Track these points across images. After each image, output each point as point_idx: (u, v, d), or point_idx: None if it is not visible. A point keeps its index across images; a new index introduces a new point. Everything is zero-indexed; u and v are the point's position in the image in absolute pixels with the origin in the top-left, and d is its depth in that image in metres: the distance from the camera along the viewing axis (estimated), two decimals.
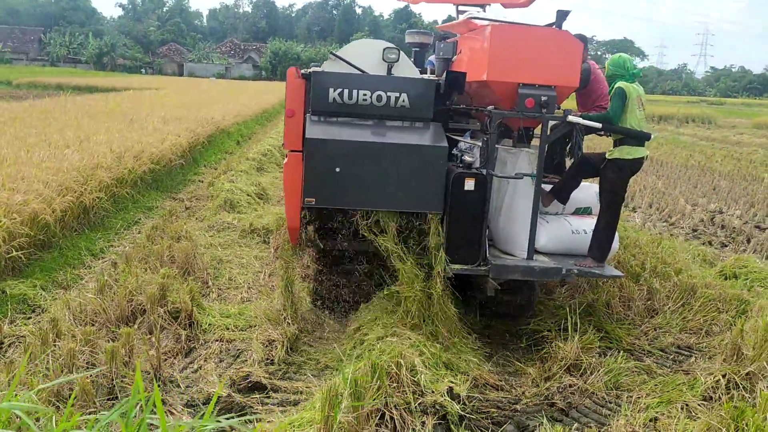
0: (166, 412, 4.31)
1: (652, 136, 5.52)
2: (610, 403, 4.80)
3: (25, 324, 5.38)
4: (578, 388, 4.84)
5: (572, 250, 5.67)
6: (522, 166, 5.43)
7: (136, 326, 5.39)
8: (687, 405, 4.60)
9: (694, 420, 4.32)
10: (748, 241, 9.46)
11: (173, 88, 36.25)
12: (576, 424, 4.40)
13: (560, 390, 4.83)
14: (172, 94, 29.62)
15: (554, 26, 5.41)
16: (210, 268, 7.06)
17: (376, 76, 5.47)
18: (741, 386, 4.72)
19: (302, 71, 5.64)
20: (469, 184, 5.09)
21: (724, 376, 4.89)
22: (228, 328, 5.68)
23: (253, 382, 4.69)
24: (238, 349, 5.31)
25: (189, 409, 4.44)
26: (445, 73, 5.58)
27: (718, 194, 13.14)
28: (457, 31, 6.75)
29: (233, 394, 4.56)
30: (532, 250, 5.39)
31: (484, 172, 5.24)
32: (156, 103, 21.39)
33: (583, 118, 5.33)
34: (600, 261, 5.50)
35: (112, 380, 4.43)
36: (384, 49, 5.52)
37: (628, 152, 5.40)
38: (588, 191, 6.01)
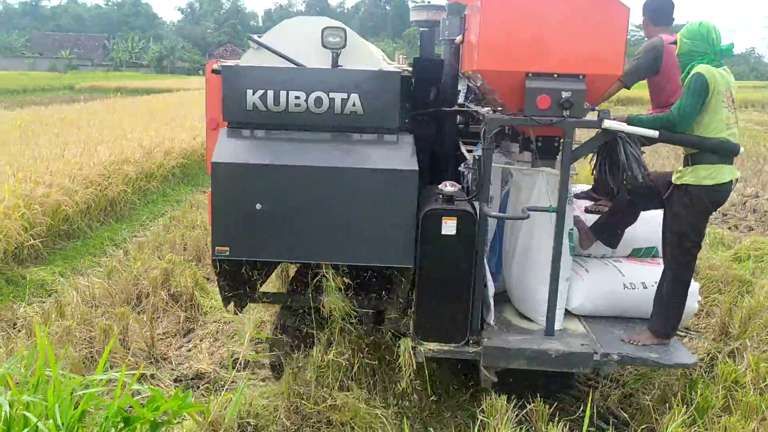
0: (154, 385, 4.62)
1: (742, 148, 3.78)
2: (590, 380, 4.82)
3: (41, 306, 5.76)
4: None
5: (626, 311, 4.13)
6: (539, 195, 3.86)
7: (139, 308, 5.71)
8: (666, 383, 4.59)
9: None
10: None
11: None
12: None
13: None
14: None
15: None
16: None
17: (315, 70, 3.82)
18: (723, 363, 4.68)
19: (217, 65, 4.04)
20: (449, 226, 3.58)
21: (708, 354, 4.86)
22: (228, 311, 5.93)
23: (242, 360, 4.92)
24: (234, 330, 5.55)
25: (176, 384, 4.70)
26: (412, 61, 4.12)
27: (759, 178, 12.77)
28: (466, 1, 4.87)
29: (218, 370, 4.81)
30: (553, 322, 3.79)
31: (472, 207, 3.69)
32: (201, 102, 22.04)
33: (631, 122, 3.63)
34: (664, 336, 3.83)
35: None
36: (323, 30, 3.82)
37: (708, 174, 3.61)
38: (653, 224, 4.20)
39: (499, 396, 3.57)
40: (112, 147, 10.01)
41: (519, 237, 4.02)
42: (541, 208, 3.68)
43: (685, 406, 3.58)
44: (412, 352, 3.71)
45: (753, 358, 4.12)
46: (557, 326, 3.88)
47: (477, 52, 3.54)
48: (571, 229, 4.05)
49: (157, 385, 4.66)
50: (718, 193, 3.66)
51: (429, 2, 4.73)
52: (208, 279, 6.69)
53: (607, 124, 3.54)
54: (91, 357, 4.80)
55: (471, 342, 3.72)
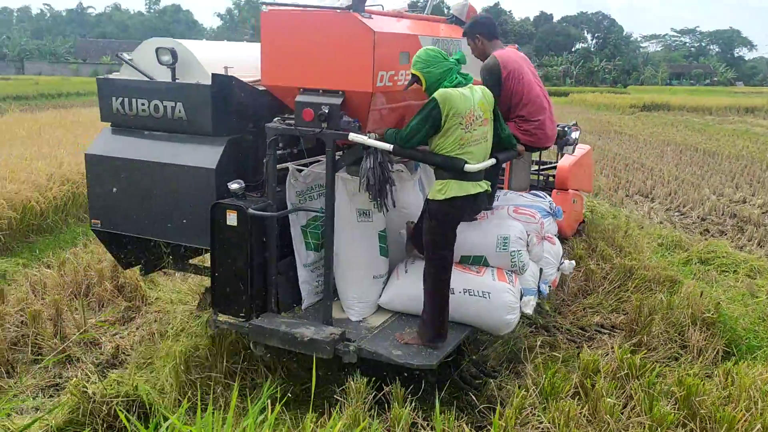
0: (77, 367, 4.96)
1: (481, 166, 3.88)
2: (495, 371, 4.97)
3: None
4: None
5: None
6: (339, 198, 4.27)
7: (88, 298, 6.05)
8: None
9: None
10: (749, 230, 9.16)
11: None
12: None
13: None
14: None
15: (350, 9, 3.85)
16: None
17: (152, 83, 4.51)
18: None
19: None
20: (232, 218, 4.09)
21: (612, 348, 4.96)
22: (172, 302, 6.23)
23: None
24: (168, 321, 5.85)
25: (97, 367, 5.00)
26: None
27: (755, 184, 12.68)
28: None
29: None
30: (329, 312, 4.16)
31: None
32: None
33: (382, 137, 3.90)
34: (429, 342, 3.98)
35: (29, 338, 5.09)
36: (156, 50, 4.42)
37: (439, 189, 3.85)
38: (485, 233, 4.43)
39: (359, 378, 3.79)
40: None
41: (337, 240, 4.29)
42: (309, 208, 4.39)
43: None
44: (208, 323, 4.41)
45: (618, 350, 4.24)
46: (357, 317, 4.37)
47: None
48: (383, 231, 4.48)
49: (79, 367, 4.99)
50: (450, 208, 3.84)
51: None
52: (165, 273, 7.02)
53: (352, 136, 3.79)
54: (22, 338, 5.15)
55: (250, 319, 4.20)
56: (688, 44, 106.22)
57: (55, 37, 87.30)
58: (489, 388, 4.43)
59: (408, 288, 4.35)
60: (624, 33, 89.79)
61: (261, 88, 4.38)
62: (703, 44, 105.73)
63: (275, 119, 4.17)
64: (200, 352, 4.53)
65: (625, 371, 4.00)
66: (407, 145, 3.79)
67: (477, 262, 4.40)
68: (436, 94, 3.70)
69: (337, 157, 4.04)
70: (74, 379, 4.16)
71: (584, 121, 25.01)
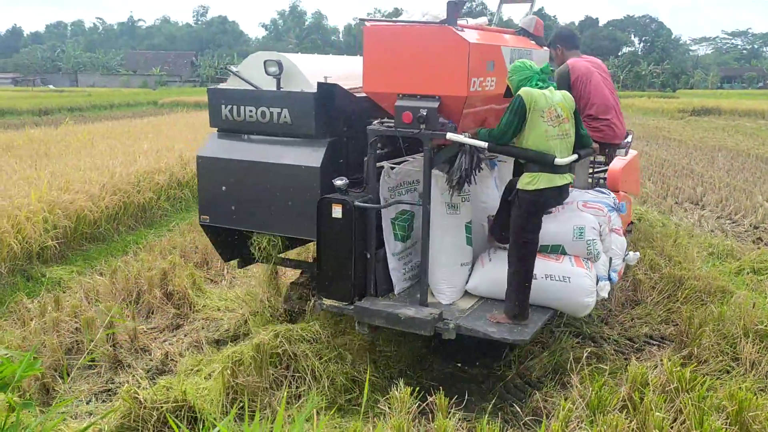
0: (128, 373, 5.09)
1: (568, 161, 4.28)
2: (540, 383, 4.93)
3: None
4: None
5: None
6: (433, 192, 4.62)
7: (138, 305, 6.21)
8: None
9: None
10: None
11: None
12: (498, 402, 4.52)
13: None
14: None
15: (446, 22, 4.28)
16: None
17: (260, 91, 5.00)
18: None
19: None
20: (337, 211, 4.50)
21: (661, 360, 4.87)
22: (219, 309, 6.35)
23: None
24: (217, 327, 5.97)
25: (147, 373, 5.13)
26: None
27: None
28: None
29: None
30: (425, 294, 4.59)
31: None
32: None
33: (474, 135, 4.33)
34: (513, 318, 4.38)
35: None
36: (264, 62, 4.94)
37: (528, 181, 4.25)
38: (562, 224, 4.83)
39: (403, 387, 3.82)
40: (151, 157, 10.74)
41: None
42: (407, 201, 4.81)
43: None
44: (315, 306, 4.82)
45: (668, 363, 4.15)
46: (448, 301, 4.74)
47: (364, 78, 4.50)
48: (469, 223, 4.88)
49: (130, 373, 5.12)
50: (539, 198, 4.26)
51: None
52: (211, 281, 7.18)
53: (449, 136, 4.21)
54: (77, 344, 5.32)
55: (353, 302, 4.58)
56: (740, 46, 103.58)
57: (107, 50, 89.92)
58: (534, 400, 4.40)
59: (492, 274, 4.75)
60: (672, 36, 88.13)
61: (358, 94, 4.84)
62: (756, 46, 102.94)
63: (374, 122, 4.55)
64: (245, 358, 4.61)
65: (675, 384, 3.91)
66: (500, 141, 4.22)
67: (555, 250, 4.79)
68: (519, 92, 4.17)
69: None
70: (126, 385, 4.27)
71: (631, 126, 24.55)
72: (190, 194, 10.62)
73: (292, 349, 4.53)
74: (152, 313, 6.17)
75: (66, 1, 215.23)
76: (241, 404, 4.18)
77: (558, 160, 4.17)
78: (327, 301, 4.67)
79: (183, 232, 8.50)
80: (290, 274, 6.96)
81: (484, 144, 4.23)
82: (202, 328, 5.93)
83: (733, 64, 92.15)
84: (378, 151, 4.65)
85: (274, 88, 4.94)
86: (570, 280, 4.61)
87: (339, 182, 4.49)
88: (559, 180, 4.24)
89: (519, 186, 4.29)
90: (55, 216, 7.33)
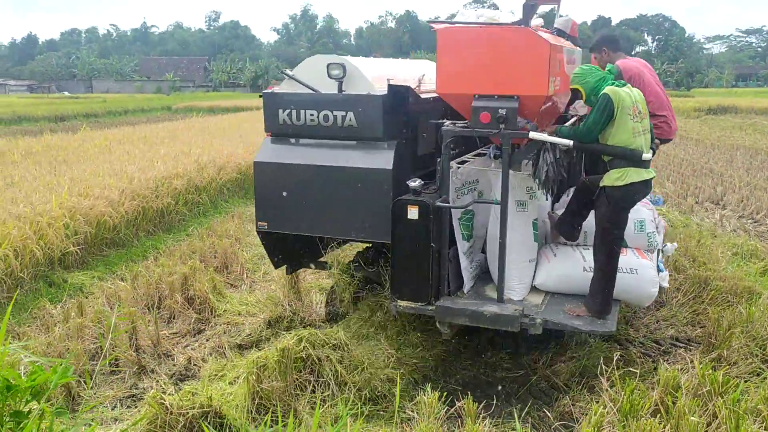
0: (153, 379, 5.08)
1: (650, 155, 4.37)
2: (566, 386, 4.87)
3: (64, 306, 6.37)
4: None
5: (584, 289, 4.73)
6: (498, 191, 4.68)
7: (160, 310, 6.21)
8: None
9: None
10: None
11: None
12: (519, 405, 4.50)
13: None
14: None
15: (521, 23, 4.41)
16: (249, 263, 7.80)
17: (323, 95, 4.93)
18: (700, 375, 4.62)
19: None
20: (413, 213, 4.48)
21: (691, 363, 4.79)
22: (240, 314, 6.34)
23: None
24: (238, 331, 5.95)
25: (171, 378, 5.12)
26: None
27: None
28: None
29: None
30: (502, 291, 4.63)
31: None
32: None
33: (555, 134, 4.38)
34: (595, 313, 4.47)
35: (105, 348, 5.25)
36: (327, 65, 4.87)
37: (618, 177, 4.29)
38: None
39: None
40: (169, 163, 10.77)
41: (491, 228, 4.89)
42: (486, 200, 4.80)
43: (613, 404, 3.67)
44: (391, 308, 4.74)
45: (699, 366, 4.08)
46: (518, 297, 4.77)
47: (437, 79, 4.46)
48: (536, 220, 4.93)
49: (154, 379, 5.12)
50: (629, 193, 4.30)
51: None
52: (231, 285, 7.17)
53: (533, 135, 4.23)
54: (100, 350, 5.32)
55: (431, 303, 4.57)
56: (754, 44, 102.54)
57: (121, 56, 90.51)
58: (561, 404, 4.34)
59: (558, 269, 4.89)
60: (686, 34, 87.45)
61: (424, 96, 4.89)
62: None
63: (447, 123, 4.53)
64: (269, 363, 4.58)
65: (707, 388, 3.84)
66: (586, 139, 4.27)
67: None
68: (605, 90, 4.21)
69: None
70: (152, 390, 4.25)
71: None
72: (207, 199, 10.65)
73: (317, 354, 4.49)
74: (174, 318, 6.17)
75: (80, 9, 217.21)
76: (267, 410, 4.16)
77: (645, 155, 4.26)
78: (402, 303, 4.64)
79: (202, 236, 8.51)
80: (310, 279, 6.95)
81: (568, 142, 4.27)
82: (224, 332, 5.93)
83: (748, 62, 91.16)
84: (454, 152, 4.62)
85: (334, 91, 4.87)
86: (637, 272, 4.75)
87: (413, 183, 4.49)
88: (646, 174, 4.32)
89: (606, 183, 4.33)
90: (76, 222, 7.36)
